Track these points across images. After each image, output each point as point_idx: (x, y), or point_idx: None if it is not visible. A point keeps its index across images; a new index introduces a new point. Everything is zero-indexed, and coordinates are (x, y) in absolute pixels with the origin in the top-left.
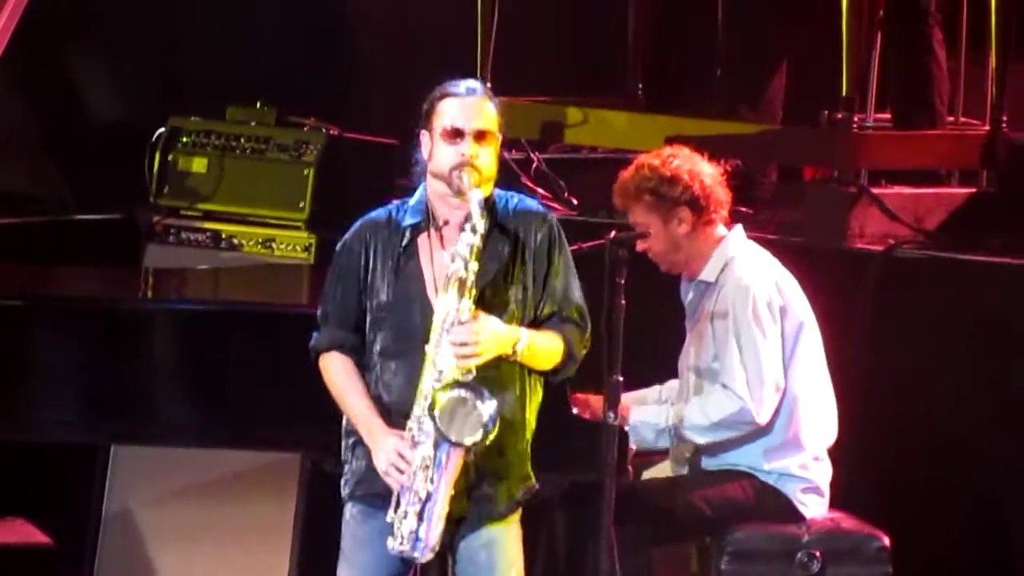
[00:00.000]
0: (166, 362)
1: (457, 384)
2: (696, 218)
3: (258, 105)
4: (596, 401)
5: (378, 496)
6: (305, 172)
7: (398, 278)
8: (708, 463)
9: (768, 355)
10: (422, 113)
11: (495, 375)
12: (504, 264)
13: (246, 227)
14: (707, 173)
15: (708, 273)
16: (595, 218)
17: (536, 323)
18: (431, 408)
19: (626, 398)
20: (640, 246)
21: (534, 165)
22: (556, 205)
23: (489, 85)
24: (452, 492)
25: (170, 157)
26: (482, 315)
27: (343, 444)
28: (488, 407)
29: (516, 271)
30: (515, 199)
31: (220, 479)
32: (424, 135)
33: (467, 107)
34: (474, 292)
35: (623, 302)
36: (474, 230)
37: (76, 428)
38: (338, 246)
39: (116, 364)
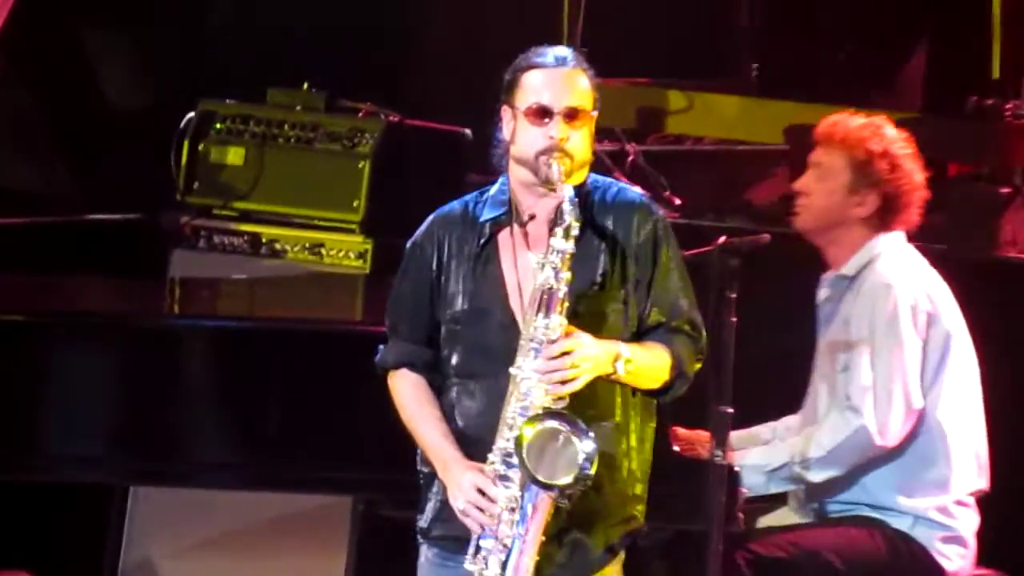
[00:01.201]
0: (195, 390)
1: (548, 414)
2: (879, 217)
3: (305, 87)
4: (700, 437)
5: (456, 539)
6: (360, 165)
7: (476, 284)
8: (833, 506)
9: (903, 366)
10: (504, 85)
11: (589, 396)
12: (601, 266)
13: (290, 230)
14: (921, 184)
15: (849, 267)
16: (701, 221)
17: (639, 335)
18: (517, 444)
19: (732, 438)
20: (802, 184)
21: (629, 159)
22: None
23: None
24: (542, 538)
25: (201, 147)
26: (576, 332)
27: (419, 475)
28: (585, 445)
29: (615, 275)
30: (614, 188)
31: (257, 527)
32: (506, 111)
33: (556, 80)
34: (566, 305)
35: (734, 319)
36: (566, 234)
37: (90, 466)
38: (408, 246)
39: (136, 392)
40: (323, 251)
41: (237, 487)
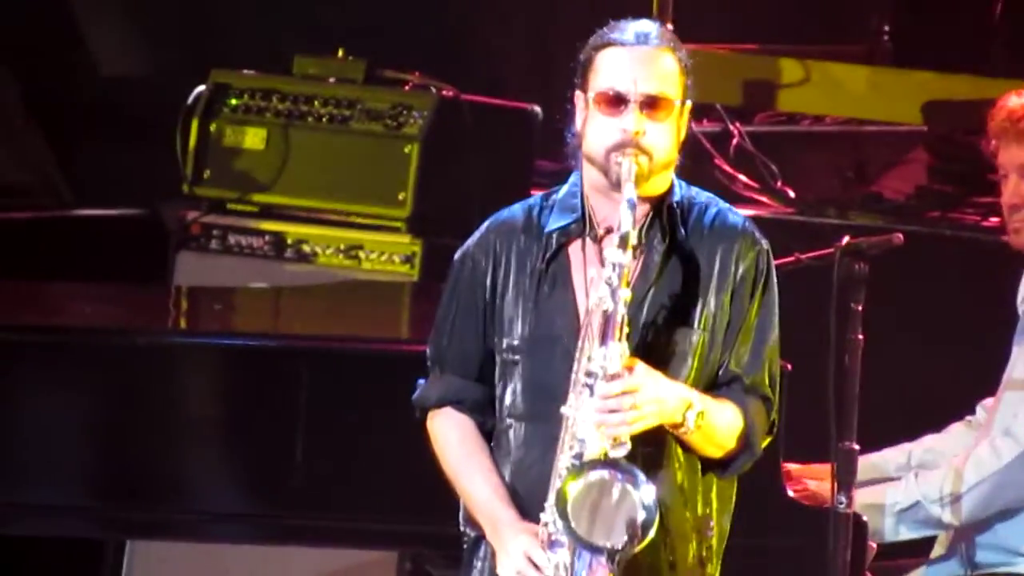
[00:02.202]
0: (203, 423)
1: (598, 463)
2: None
3: (340, 54)
4: (818, 472)
5: None
6: (406, 150)
7: (539, 307)
8: (986, 555)
9: None
10: (578, 67)
11: (649, 454)
12: (686, 297)
13: (322, 229)
14: None
15: None
16: (821, 217)
17: (708, 387)
18: (560, 500)
19: (862, 465)
20: (1014, 199)
21: (734, 142)
22: (764, 198)
23: (671, 28)
24: None
25: (212, 128)
26: (640, 366)
27: (463, 538)
28: (645, 493)
29: (703, 310)
30: (715, 208)
31: None
32: (578, 98)
33: (634, 61)
34: (627, 331)
35: (860, 336)
36: (623, 244)
37: (76, 518)
38: (456, 257)
39: (132, 424)
40: (361, 254)
41: (256, 541)
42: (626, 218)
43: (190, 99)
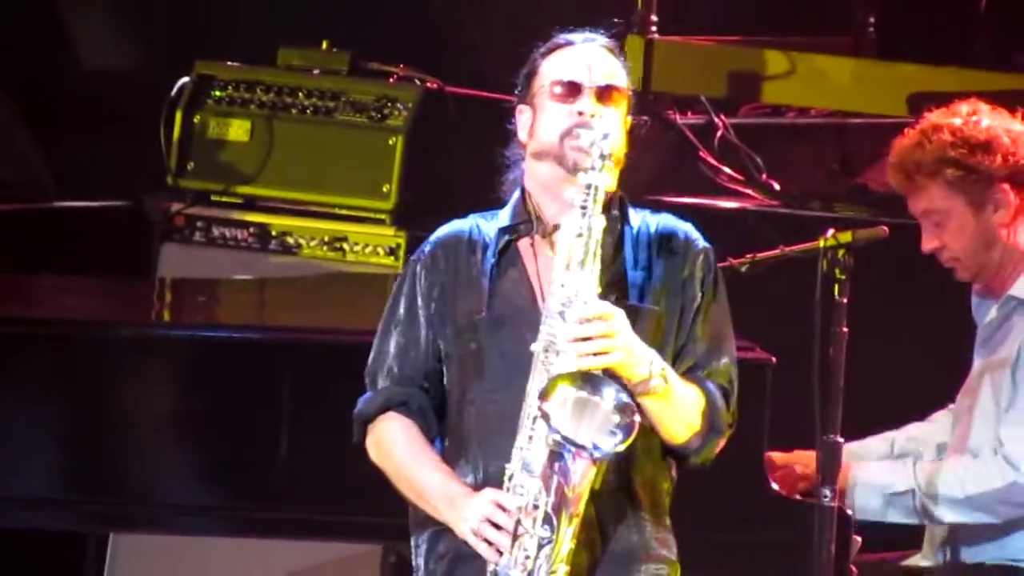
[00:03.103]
0: (185, 414)
1: (581, 379)
2: (1021, 199)
3: (324, 46)
4: (803, 459)
5: None
6: (391, 142)
7: (494, 291)
8: (967, 553)
9: None
10: (518, 84)
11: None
12: (635, 291)
13: (306, 221)
14: None
15: (1021, 287)
16: (804, 210)
17: None
18: (543, 395)
19: (844, 453)
20: (929, 243)
21: (718, 134)
22: (749, 190)
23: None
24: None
25: (196, 120)
26: (610, 305)
27: (412, 543)
28: (619, 395)
29: (654, 307)
30: (655, 214)
31: None
32: (521, 112)
33: (585, 55)
34: (599, 258)
35: (845, 330)
36: (600, 165)
37: (57, 511)
38: (402, 273)
39: (115, 416)
40: (346, 246)
41: (240, 534)
42: (600, 140)
43: (174, 91)
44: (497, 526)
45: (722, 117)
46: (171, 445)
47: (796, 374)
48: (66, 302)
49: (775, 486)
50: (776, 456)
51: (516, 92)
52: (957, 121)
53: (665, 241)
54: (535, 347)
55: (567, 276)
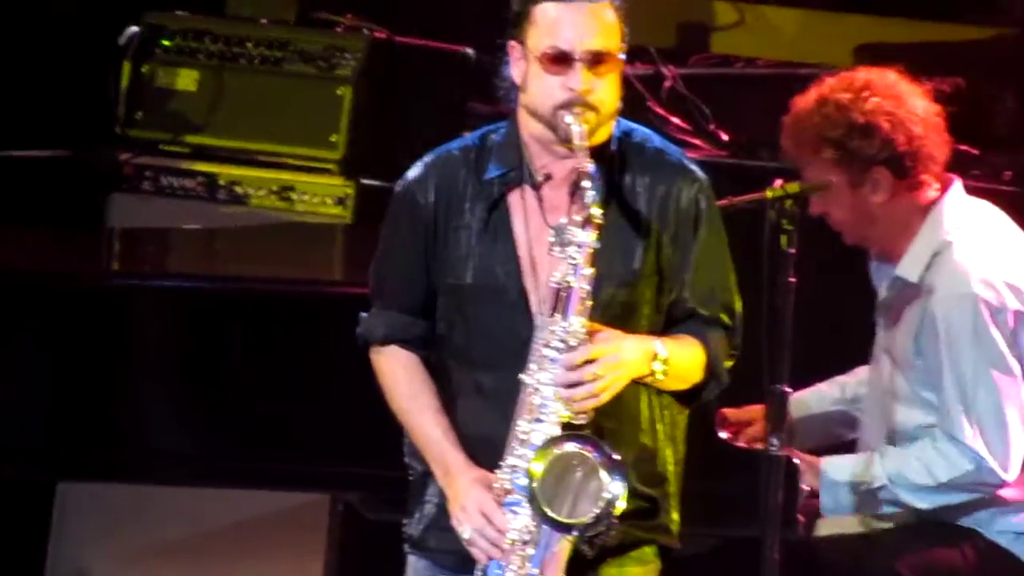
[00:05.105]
0: (140, 364)
1: (567, 437)
2: (897, 181)
3: None
4: (754, 413)
5: (453, 554)
6: (339, 92)
7: (483, 254)
8: (913, 515)
9: (1009, 395)
10: (511, 17)
11: (612, 430)
12: (629, 244)
13: (254, 170)
14: (917, 116)
15: (909, 268)
16: (752, 160)
17: (668, 324)
18: (529, 478)
19: (795, 403)
20: (816, 208)
21: (667, 84)
22: (697, 141)
23: None
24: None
25: (144, 69)
26: (603, 332)
27: (409, 472)
28: (614, 484)
29: (649, 251)
30: (651, 146)
31: (218, 531)
32: (514, 48)
33: (577, 17)
34: (588, 305)
35: (792, 280)
36: (588, 224)
37: (10, 459)
38: (396, 191)
39: (65, 368)
40: (294, 196)
41: (189, 483)
42: (589, 196)
43: (122, 39)
44: (489, 540)
45: (670, 67)
46: (123, 395)
47: (746, 325)
48: (14, 255)
49: (724, 435)
50: (729, 412)
51: (508, 26)
52: (846, 97)
53: (660, 173)
54: (524, 377)
55: (556, 324)
